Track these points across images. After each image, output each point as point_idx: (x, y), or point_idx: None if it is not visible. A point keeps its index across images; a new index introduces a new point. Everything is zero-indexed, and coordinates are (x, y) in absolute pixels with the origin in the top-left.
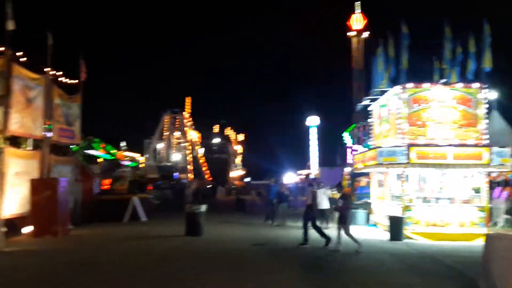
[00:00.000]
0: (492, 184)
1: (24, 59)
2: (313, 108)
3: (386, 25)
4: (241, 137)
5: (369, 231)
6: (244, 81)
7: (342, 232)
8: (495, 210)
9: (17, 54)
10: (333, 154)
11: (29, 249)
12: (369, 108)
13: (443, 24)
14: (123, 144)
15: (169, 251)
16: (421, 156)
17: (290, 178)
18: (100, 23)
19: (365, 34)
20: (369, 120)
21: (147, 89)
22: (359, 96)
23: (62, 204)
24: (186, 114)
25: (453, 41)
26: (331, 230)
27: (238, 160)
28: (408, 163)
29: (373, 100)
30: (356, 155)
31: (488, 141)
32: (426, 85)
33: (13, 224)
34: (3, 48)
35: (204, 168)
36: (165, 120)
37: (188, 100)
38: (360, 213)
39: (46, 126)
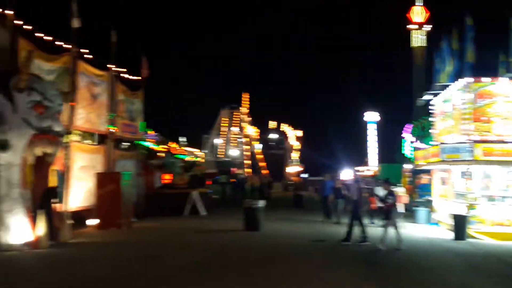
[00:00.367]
0: None
1: (89, 56)
2: (371, 104)
3: (449, 17)
4: (298, 132)
5: (431, 230)
6: (302, 76)
7: (389, 229)
8: None
9: (83, 51)
10: (392, 150)
11: (94, 241)
12: (431, 103)
13: (509, 17)
14: (182, 139)
15: (228, 244)
16: (486, 153)
17: (347, 174)
18: (161, 19)
19: (427, 27)
20: (431, 115)
21: (206, 84)
22: (420, 91)
23: (126, 197)
24: (244, 109)
25: None
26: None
27: (295, 155)
28: (473, 160)
29: (435, 95)
30: (418, 152)
31: None
32: (491, 79)
33: (79, 217)
34: (69, 46)
35: (261, 164)
36: (223, 116)
37: (246, 96)
38: (422, 211)
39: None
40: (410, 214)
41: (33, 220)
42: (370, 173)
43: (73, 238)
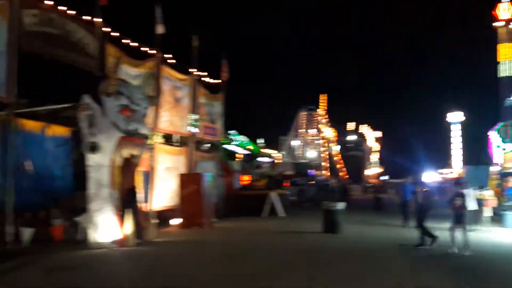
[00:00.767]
0: None
1: (173, 61)
2: (455, 103)
3: None
4: (377, 133)
5: None
6: (381, 75)
7: (457, 233)
8: None
9: (166, 56)
10: (478, 151)
11: (178, 240)
12: None
13: None
14: (260, 141)
15: (308, 246)
16: None
17: (430, 177)
18: (240, 21)
19: None
20: None
21: (284, 86)
22: (507, 91)
23: (207, 197)
24: (321, 111)
25: None
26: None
27: (375, 157)
28: None
29: None
30: (506, 154)
31: None
32: None
33: (163, 216)
34: (153, 51)
35: (339, 166)
36: (301, 117)
37: (323, 97)
38: (510, 215)
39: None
40: (498, 218)
41: (121, 219)
42: (454, 175)
43: (158, 237)
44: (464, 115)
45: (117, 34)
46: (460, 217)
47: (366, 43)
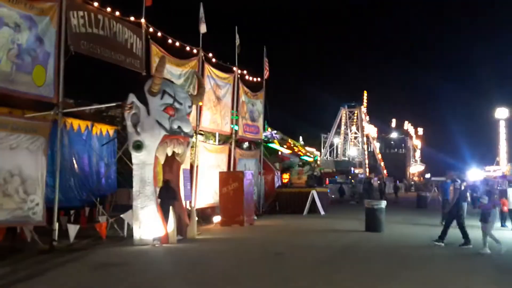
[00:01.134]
0: None
1: (214, 59)
2: (502, 98)
3: None
4: (420, 130)
5: None
6: (425, 71)
7: (492, 232)
8: None
9: (209, 55)
10: None
11: (218, 238)
12: None
13: None
14: (300, 139)
15: (351, 245)
16: None
17: (475, 174)
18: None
19: None
20: None
21: (325, 83)
22: None
23: (248, 195)
24: (363, 108)
25: None
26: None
27: (418, 154)
28: None
29: None
30: None
31: None
32: None
33: (204, 214)
34: (196, 50)
35: (381, 163)
36: (342, 115)
37: (365, 94)
38: None
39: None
40: None
41: (164, 217)
42: (499, 173)
43: (199, 234)
44: (510, 112)
45: (161, 34)
46: (486, 216)
47: (411, 37)
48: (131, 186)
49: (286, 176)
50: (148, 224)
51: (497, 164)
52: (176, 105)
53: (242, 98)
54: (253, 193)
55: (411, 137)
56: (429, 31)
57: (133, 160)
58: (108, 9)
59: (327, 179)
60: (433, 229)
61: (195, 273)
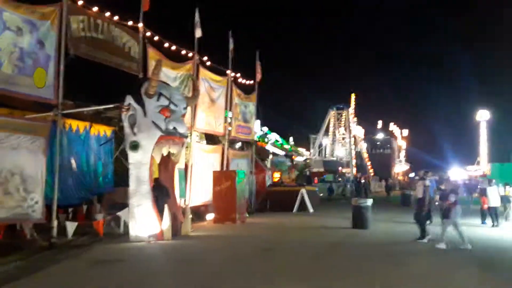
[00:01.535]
0: None
1: (209, 62)
2: (483, 101)
3: None
4: (405, 131)
5: None
6: (409, 74)
7: (448, 228)
8: None
9: (203, 58)
10: (506, 149)
11: (211, 234)
12: None
13: None
14: (290, 139)
15: (339, 241)
16: None
17: (457, 174)
18: (274, 22)
19: None
20: None
21: (315, 86)
22: None
23: (240, 194)
24: (351, 110)
25: None
26: (488, 228)
27: (402, 155)
28: None
29: None
30: None
31: None
32: None
33: (197, 211)
34: (191, 54)
35: (367, 163)
36: (331, 117)
37: (353, 97)
38: None
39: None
40: None
41: (159, 214)
42: (480, 172)
43: (193, 231)
44: (491, 114)
45: (158, 38)
46: (450, 213)
47: (394, 42)
48: (128, 185)
49: (277, 175)
50: (143, 221)
51: (478, 164)
52: (172, 106)
53: (235, 100)
54: (245, 192)
55: (396, 138)
56: (414, 37)
57: (130, 160)
58: (107, 14)
59: (316, 178)
60: (416, 227)
61: (189, 269)
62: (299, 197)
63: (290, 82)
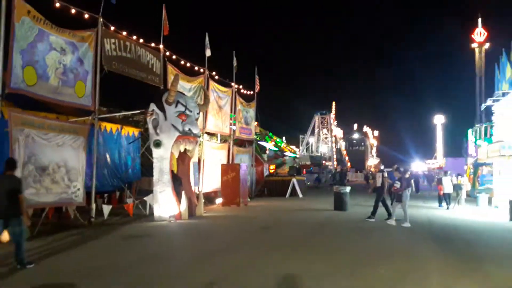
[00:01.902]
0: None
1: (216, 77)
2: (440, 107)
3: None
4: (376, 132)
5: (491, 212)
6: (380, 85)
7: (406, 208)
8: None
9: (212, 73)
10: (457, 145)
11: (220, 215)
12: (492, 108)
13: None
14: (283, 138)
15: (321, 220)
16: None
17: (418, 166)
18: (270, 43)
19: (486, 45)
20: (492, 118)
21: (302, 95)
22: (482, 98)
23: (243, 182)
24: (332, 115)
25: None
26: (443, 210)
27: (374, 151)
28: None
29: (496, 101)
30: (480, 148)
31: None
32: None
33: (209, 196)
34: (202, 69)
35: (346, 158)
36: (316, 120)
37: (333, 104)
38: (482, 197)
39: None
40: (472, 199)
41: (178, 199)
42: (437, 165)
43: (205, 213)
44: (446, 116)
45: (175, 56)
46: (400, 197)
47: (368, 60)
48: (152, 175)
49: (272, 167)
50: (165, 204)
51: (435, 158)
52: (187, 112)
53: (238, 107)
54: (247, 181)
55: (369, 138)
56: (383, 53)
57: (154, 155)
58: (134, 37)
59: (304, 170)
60: (382, 209)
61: (202, 242)
62: (291, 185)
63: (283, 92)
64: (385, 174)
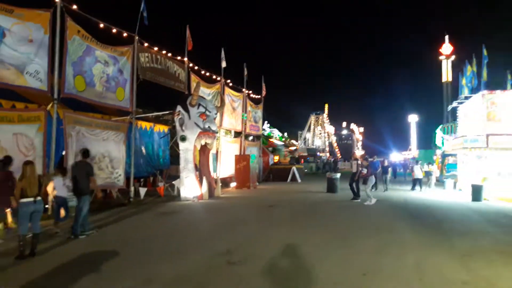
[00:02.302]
0: None
1: (231, 84)
2: (414, 107)
3: (469, 48)
4: (361, 129)
5: (456, 194)
6: (365, 89)
7: (368, 190)
8: None
9: (227, 81)
10: (428, 139)
11: (234, 196)
12: (458, 109)
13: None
14: (285, 134)
15: (317, 200)
16: (495, 142)
17: (396, 156)
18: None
19: (453, 58)
20: (457, 117)
21: (301, 97)
22: (449, 101)
23: (252, 170)
24: (325, 115)
25: None
26: (416, 192)
27: (359, 144)
28: (486, 147)
29: (460, 103)
30: (446, 142)
31: None
32: (499, 92)
33: (225, 181)
34: (219, 78)
35: (336, 150)
36: (311, 119)
37: (326, 106)
38: (449, 182)
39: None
40: (440, 184)
41: (200, 183)
42: (411, 156)
43: (222, 194)
44: (419, 115)
45: (197, 67)
46: (366, 180)
47: (356, 67)
48: (179, 164)
49: (276, 158)
50: (189, 187)
51: (410, 150)
52: (207, 112)
53: (249, 108)
54: (256, 168)
55: (355, 133)
56: (368, 60)
57: (180, 147)
58: (163, 52)
59: (302, 159)
60: (379, 191)
61: (220, 216)
62: (291, 172)
63: (285, 96)
64: (359, 162)
